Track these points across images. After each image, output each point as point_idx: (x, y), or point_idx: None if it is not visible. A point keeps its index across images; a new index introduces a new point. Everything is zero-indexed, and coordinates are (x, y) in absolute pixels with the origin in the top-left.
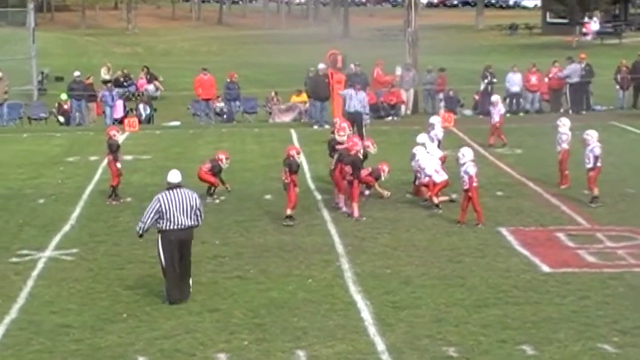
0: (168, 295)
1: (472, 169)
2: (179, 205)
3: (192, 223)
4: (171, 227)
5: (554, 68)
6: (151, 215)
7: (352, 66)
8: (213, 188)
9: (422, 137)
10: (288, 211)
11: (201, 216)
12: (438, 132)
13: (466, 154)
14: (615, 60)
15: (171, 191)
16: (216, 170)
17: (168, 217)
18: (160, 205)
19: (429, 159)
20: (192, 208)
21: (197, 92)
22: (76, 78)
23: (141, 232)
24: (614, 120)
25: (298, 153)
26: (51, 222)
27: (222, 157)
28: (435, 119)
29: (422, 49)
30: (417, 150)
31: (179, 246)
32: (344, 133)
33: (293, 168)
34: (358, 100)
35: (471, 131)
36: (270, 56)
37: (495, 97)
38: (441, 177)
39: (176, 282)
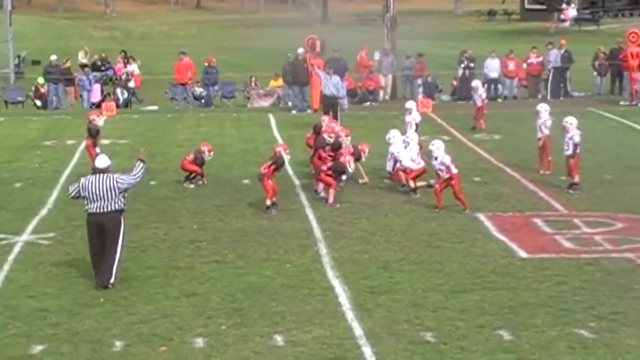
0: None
1: (448, 159)
2: (98, 190)
3: (110, 208)
4: (89, 211)
5: (532, 54)
6: (74, 191)
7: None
8: (193, 174)
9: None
10: (267, 202)
11: (133, 182)
12: (416, 116)
13: (439, 147)
14: (593, 46)
15: (94, 175)
16: (199, 162)
17: (87, 200)
18: (80, 188)
19: (405, 150)
20: (112, 191)
21: (175, 76)
22: (53, 62)
23: (70, 195)
24: (591, 106)
25: (286, 150)
26: (28, 206)
27: (205, 149)
28: (410, 104)
29: (400, 34)
30: (392, 139)
31: (97, 230)
32: (333, 134)
33: (279, 163)
34: (332, 83)
35: (449, 117)
36: (248, 40)
37: (475, 82)
38: (418, 165)
39: (96, 265)
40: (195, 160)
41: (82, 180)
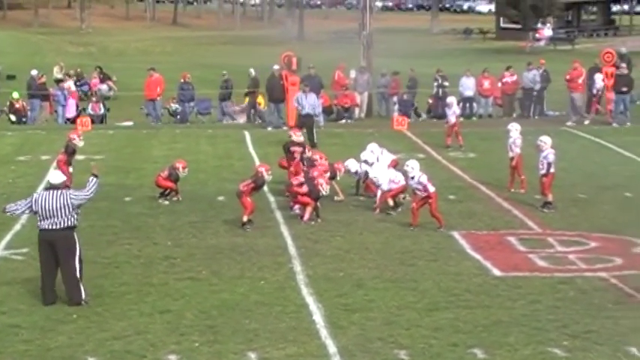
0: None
1: (424, 178)
2: (48, 205)
3: (62, 224)
4: (41, 227)
5: (507, 73)
6: (22, 207)
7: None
8: (168, 191)
9: (372, 146)
10: (244, 218)
11: (87, 196)
12: (386, 156)
13: (414, 167)
14: (568, 66)
15: (47, 192)
16: (173, 178)
17: (39, 216)
18: (32, 204)
19: (382, 172)
20: (64, 208)
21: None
22: (34, 76)
23: (6, 210)
24: (564, 125)
25: (267, 170)
26: (1, 221)
27: (180, 165)
28: (372, 146)
29: (377, 52)
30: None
31: (49, 247)
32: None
33: (258, 183)
34: (308, 102)
35: (425, 135)
36: (224, 57)
37: (450, 98)
38: (397, 184)
39: (46, 282)
40: (169, 177)
41: (35, 195)
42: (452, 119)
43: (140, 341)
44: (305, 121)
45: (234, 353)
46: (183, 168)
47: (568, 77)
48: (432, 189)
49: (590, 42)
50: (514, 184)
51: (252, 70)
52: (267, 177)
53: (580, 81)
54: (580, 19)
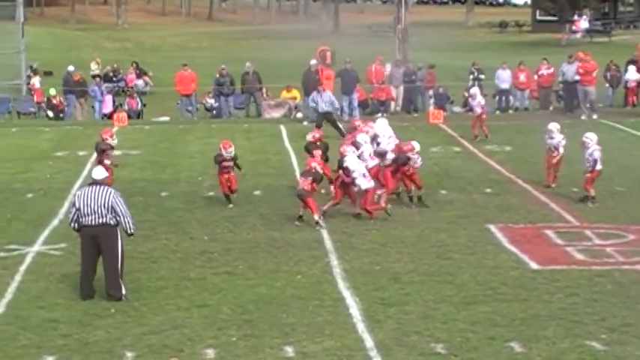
0: (80, 289)
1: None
2: (90, 201)
3: (103, 220)
4: (83, 222)
5: (542, 65)
6: (73, 211)
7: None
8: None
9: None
10: (315, 217)
11: (121, 217)
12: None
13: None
14: (605, 58)
15: (89, 187)
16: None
17: (81, 212)
18: (75, 201)
19: (358, 162)
20: (104, 206)
21: (177, 88)
22: (71, 72)
23: (73, 227)
24: (603, 118)
25: (320, 164)
26: (39, 217)
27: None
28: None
29: (412, 45)
30: (348, 154)
31: (91, 242)
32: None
33: (318, 178)
34: (324, 101)
35: (460, 128)
36: (260, 52)
37: (474, 89)
38: (367, 184)
39: (85, 276)
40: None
41: (77, 192)
42: (477, 110)
43: (177, 335)
44: (326, 118)
45: (271, 347)
46: (226, 148)
47: (581, 71)
48: (367, 185)
49: (627, 33)
50: (553, 179)
51: (248, 64)
52: (320, 170)
53: (594, 74)
54: (617, 10)
